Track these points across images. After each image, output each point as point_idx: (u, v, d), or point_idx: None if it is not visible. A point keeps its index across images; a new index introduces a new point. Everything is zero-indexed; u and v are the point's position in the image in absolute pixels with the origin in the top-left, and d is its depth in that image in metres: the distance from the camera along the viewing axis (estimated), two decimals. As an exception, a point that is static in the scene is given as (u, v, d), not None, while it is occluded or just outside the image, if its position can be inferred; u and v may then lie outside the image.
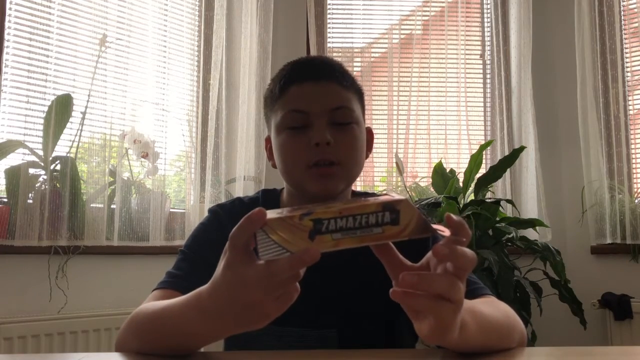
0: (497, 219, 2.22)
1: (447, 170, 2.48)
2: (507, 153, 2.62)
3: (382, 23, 2.93)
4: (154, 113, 2.42)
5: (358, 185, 2.79)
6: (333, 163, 0.93)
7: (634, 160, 2.70)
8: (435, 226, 0.60)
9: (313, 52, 2.76)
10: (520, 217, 2.56)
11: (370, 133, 1.04)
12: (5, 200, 1.98)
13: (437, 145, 2.83)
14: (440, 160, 2.52)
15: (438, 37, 2.89)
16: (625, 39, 2.75)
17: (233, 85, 2.59)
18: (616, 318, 2.47)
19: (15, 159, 2.04)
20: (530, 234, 2.49)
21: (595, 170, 2.63)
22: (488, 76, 2.92)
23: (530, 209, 2.68)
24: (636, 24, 2.75)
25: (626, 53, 2.74)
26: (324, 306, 0.93)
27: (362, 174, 2.76)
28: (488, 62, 2.92)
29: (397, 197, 0.58)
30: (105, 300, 2.13)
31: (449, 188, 2.29)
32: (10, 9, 2.08)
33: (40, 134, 2.09)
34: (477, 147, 2.39)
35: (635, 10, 2.75)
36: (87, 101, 2.18)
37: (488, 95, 2.91)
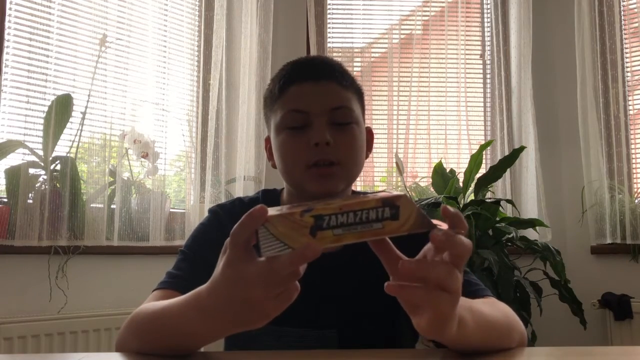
0: (497, 219, 2.22)
1: (447, 170, 2.48)
2: (507, 153, 2.62)
3: (382, 23, 2.93)
4: (154, 113, 2.42)
5: (358, 185, 2.79)
6: (332, 163, 0.93)
7: (634, 160, 2.70)
8: (434, 221, 0.61)
9: (313, 52, 2.75)
10: (520, 217, 2.56)
11: (370, 133, 1.04)
12: (5, 200, 1.98)
13: (437, 145, 2.83)
14: (440, 160, 2.52)
15: (438, 37, 2.89)
16: (625, 39, 2.75)
17: (233, 85, 2.59)
18: (616, 318, 2.47)
19: (15, 159, 2.04)
20: (530, 234, 2.49)
21: (595, 170, 2.63)
22: (488, 76, 2.92)
23: (530, 209, 2.68)
24: (636, 24, 2.75)
25: (626, 53, 2.74)
26: (323, 306, 0.93)
27: (362, 174, 2.76)
28: (488, 62, 2.92)
29: (396, 193, 0.59)
30: (105, 300, 2.13)
31: (449, 188, 2.29)
32: (10, 9, 2.08)
33: (40, 134, 2.09)
34: (477, 147, 2.39)
35: (635, 10, 2.75)
36: (87, 101, 2.18)
37: (488, 95, 2.91)
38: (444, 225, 0.61)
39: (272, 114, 0.99)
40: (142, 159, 2.30)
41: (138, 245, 2.24)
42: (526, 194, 2.73)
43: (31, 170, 2.04)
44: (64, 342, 1.97)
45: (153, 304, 0.80)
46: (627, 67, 2.74)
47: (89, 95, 2.19)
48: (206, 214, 1.04)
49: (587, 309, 2.28)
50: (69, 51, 2.20)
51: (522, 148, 2.27)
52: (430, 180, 2.51)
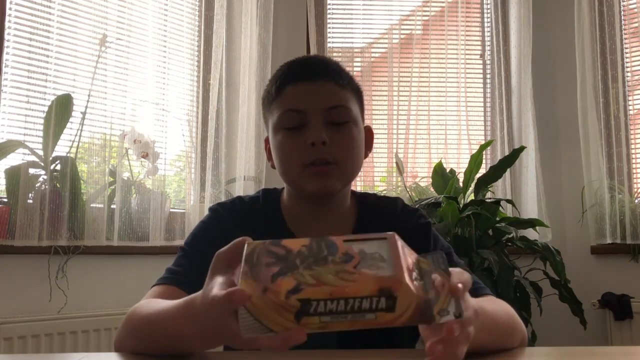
0: (497, 219, 2.22)
1: (447, 170, 2.48)
2: (507, 153, 2.62)
3: (382, 23, 2.93)
4: (154, 113, 2.42)
5: (358, 185, 2.79)
6: (329, 163, 0.93)
7: (634, 160, 2.70)
8: (436, 280, 0.55)
9: (313, 52, 2.75)
10: (520, 217, 2.56)
11: (369, 132, 1.03)
12: (5, 200, 1.98)
13: (437, 145, 2.83)
14: (440, 160, 2.52)
15: (438, 37, 2.89)
16: (625, 39, 2.75)
17: (233, 85, 2.59)
18: (616, 318, 2.47)
19: (15, 159, 2.04)
20: (530, 234, 2.49)
21: (595, 170, 2.63)
22: (488, 76, 2.92)
23: (530, 209, 2.68)
24: (636, 24, 2.75)
25: (626, 53, 2.74)
26: None
27: (362, 174, 2.77)
28: (488, 62, 2.92)
29: (396, 276, 0.51)
30: (105, 300, 2.13)
31: (449, 188, 2.29)
32: (10, 9, 2.08)
33: (40, 134, 2.09)
34: (477, 147, 2.39)
35: (635, 10, 2.75)
36: (87, 101, 2.18)
37: (488, 95, 2.91)
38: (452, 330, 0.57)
39: (269, 115, 0.99)
40: (142, 159, 2.30)
41: (138, 245, 2.24)
42: (526, 194, 2.73)
43: (31, 170, 2.03)
44: (64, 342, 1.97)
45: (149, 303, 0.80)
46: (627, 67, 2.74)
47: (89, 95, 2.19)
48: (206, 213, 1.04)
49: (587, 309, 2.28)
50: (69, 51, 2.20)
51: (522, 148, 2.27)
52: (430, 180, 2.51)
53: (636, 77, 2.77)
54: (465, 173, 2.33)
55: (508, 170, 2.37)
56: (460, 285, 0.55)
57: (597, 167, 2.63)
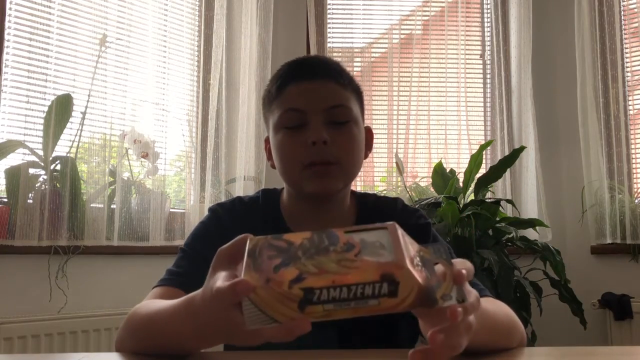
0: (497, 219, 2.22)
1: (447, 170, 2.48)
2: (507, 153, 2.62)
3: (382, 23, 2.93)
4: (154, 113, 2.42)
5: (358, 185, 2.79)
6: (330, 162, 0.93)
7: (634, 160, 2.70)
8: (438, 268, 0.55)
9: (313, 52, 2.75)
10: (520, 217, 2.56)
11: (369, 132, 1.03)
12: (5, 200, 1.98)
13: (437, 145, 2.83)
14: (440, 160, 2.52)
15: (438, 37, 2.89)
16: (625, 39, 2.75)
17: (233, 85, 2.59)
18: (616, 318, 2.47)
19: (15, 159, 2.04)
20: (530, 234, 2.49)
21: (595, 170, 2.63)
22: (488, 76, 2.92)
23: (530, 209, 2.68)
24: (636, 24, 2.75)
25: (626, 53, 2.74)
26: None
27: (362, 174, 2.78)
28: (488, 62, 2.92)
29: (398, 260, 0.51)
30: (105, 300, 2.13)
31: (449, 188, 2.29)
32: (10, 9, 2.08)
33: (40, 134, 2.09)
34: (477, 147, 2.39)
35: (635, 10, 2.75)
36: (87, 101, 2.18)
37: (488, 95, 2.91)
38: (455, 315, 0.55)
39: (270, 114, 0.99)
40: (142, 159, 2.30)
41: (138, 245, 2.24)
42: (526, 194, 2.73)
43: (31, 170, 2.04)
44: (64, 342, 1.97)
45: (148, 304, 0.80)
46: (627, 67, 2.74)
47: (89, 95, 2.19)
48: (206, 213, 1.04)
49: (587, 309, 2.28)
50: (69, 51, 2.20)
51: (522, 148, 2.27)
52: (430, 180, 2.51)
53: (636, 77, 2.77)
54: (465, 173, 2.33)
55: (508, 170, 2.37)
56: (463, 271, 0.55)
57: (597, 167, 2.63)
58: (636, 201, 2.63)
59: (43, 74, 2.12)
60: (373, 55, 2.96)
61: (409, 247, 0.55)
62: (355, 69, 2.90)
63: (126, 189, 2.26)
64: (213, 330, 0.62)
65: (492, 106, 2.88)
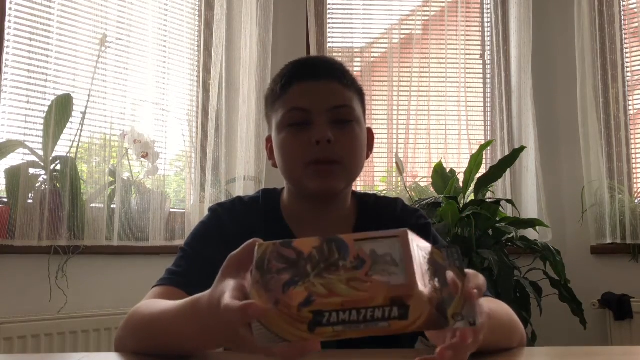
0: (497, 219, 2.22)
1: (447, 170, 2.48)
2: (507, 153, 2.62)
3: (382, 23, 2.93)
4: (154, 113, 2.42)
5: (358, 185, 2.79)
6: (333, 161, 0.93)
7: (634, 160, 2.70)
8: (449, 276, 0.55)
9: (313, 52, 2.75)
10: (520, 217, 2.56)
11: (371, 133, 1.04)
12: (5, 200, 1.98)
13: (437, 145, 2.83)
14: (440, 160, 2.52)
15: (438, 37, 2.89)
16: (625, 39, 2.75)
17: (233, 85, 2.59)
18: (616, 318, 2.47)
19: (15, 159, 2.04)
20: (530, 234, 2.49)
21: (595, 170, 2.63)
22: (488, 76, 2.92)
23: (530, 209, 2.68)
24: (636, 24, 2.75)
25: (626, 53, 2.74)
26: None
27: (362, 173, 2.77)
28: (488, 62, 2.92)
29: (408, 285, 0.50)
30: (105, 300, 2.13)
31: (449, 188, 2.29)
32: (10, 9, 2.08)
33: (40, 134, 2.09)
34: (477, 147, 2.39)
35: (635, 10, 2.75)
36: (87, 101, 2.18)
37: (488, 95, 2.91)
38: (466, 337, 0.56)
39: (273, 113, 0.99)
40: (142, 159, 2.30)
41: (138, 245, 2.24)
42: (526, 194, 2.73)
43: (31, 170, 2.04)
44: (64, 342, 1.97)
45: (150, 303, 0.80)
46: (627, 67, 2.74)
47: (89, 95, 2.19)
48: (206, 213, 1.04)
49: (587, 309, 2.28)
50: (69, 51, 2.20)
51: (522, 148, 2.27)
52: (430, 180, 2.51)
53: (636, 77, 2.77)
54: (465, 173, 2.33)
55: (508, 170, 2.37)
56: (475, 291, 0.55)
57: (597, 167, 2.63)
58: (636, 201, 2.63)
59: (43, 74, 2.12)
60: (373, 55, 2.96)
61: (421, 257, 0.54)
62: (355, 69, 2.90)
63: (126, 189, 2.26)
64: (218, 336, 0.62)
65: (492, 106, 2.88)
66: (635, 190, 2.68)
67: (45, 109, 2.09)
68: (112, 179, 2.23)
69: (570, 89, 2.76)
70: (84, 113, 2.17)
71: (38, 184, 2.05)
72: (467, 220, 2.11)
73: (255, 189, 2.48)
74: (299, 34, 2.84)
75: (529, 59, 2.77)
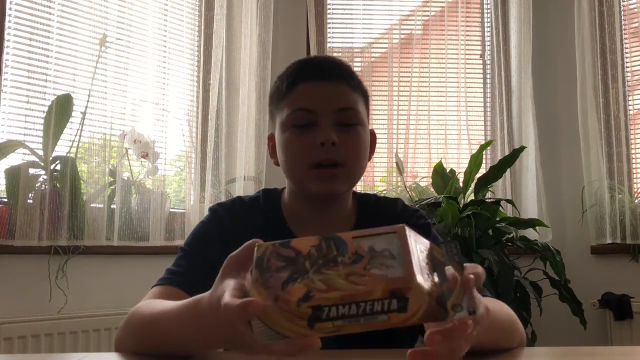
0: (497, 219, 2.22)
1: (447, 170, 2.48)
2: (507, 153, 2.62)
3: (382, 23, 2.93)
4: (154, 113, 2.42)
5: (358, 186, 2.78)
6: (337, 164, 0.93)
7: (634, 160, 2.70)
8: (449, 272, 0.55)
9: (313, 52, 2.75)
10: (520, 217, 2.56)
11: (373, 136, 1.04)
12: (5, 200, 1.98)
13: (437, 145, 2.83)
14: (440, 160, 2.52)
15: (438, 37, 2.89)
16: (625, 39, 2.75)
17: (233, 85, 2.58)
18: (616, 318, 2.46)
19: (15, 159, 2.04)
20: (530, 234, 2.49)
21: (595, 170, 2.63)
22: (488, 76, 2.92)
23: (530, 209, 2.68)
24: (636, 24, 2.75)
25: (626, 53, 2.74)
26: None
27: (362, 174, 2.77)
28: (488, 62, 2.92)
29: (406, 277, 0.50)
30: (105, 300, 2.13)
31: (449, 188, 2.29)
32: (10, 9, 2.08)
33: (40, 134, 2.09)
34: (477, 147, 2.39)
35: (635, 10, 2.75)
36: (87, 101, 2.18)
37: (488, 95, 2.91)
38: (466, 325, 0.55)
39: (278, 112, 0.99)
40: (142, 159, 2.30)
41: (138, 245, 2.24)
42: (526, 194, 2.73)
43: (31, 170, 2.03)
44: (64, 342, 1.97)
45: (151, 303, 0.80)
46: (627, 67, 2.74)
47: (89, 95, 2.19)
48: (206, 213, 1.04)
49: (587, 309, 2.28)
50: (69, 51, 2.20)
51: (522, 148, 2.27)
52: (430, 180, 2.51)
53: (636, 77, 2.77)
54: (465, 173, 2.33)
55: (508, 170, 2.37)
56: (472, 276, 0.55)
57: (597, 167, 2.63)
58: (636, 201, 2.63)
59: (43, 74, 2.12)
60: (373, 55, 2.96)
61: (419, 251, 0.54)
62: (355, 69, 2.89)
63: (126, 189, 2.26)
64: (218, 337, 0.62)
65: (492, 106, 2.88)
66: (635, 190, 2.68)
67: (45, 109, 2.09)
68: (112, 179, 2.23)
69: (570, 89, 2.76)
70: (84, 113, 2.17)
71: (38, 184, 2.05)
72: (467, 220, 2.11)
73: (255, 189, 2.48)
74: (299, 34, 2.84)
75: (529, 59, 2.77)
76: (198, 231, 1.00)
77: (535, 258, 2.27)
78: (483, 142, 2.76)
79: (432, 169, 2.50)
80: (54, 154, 2.08)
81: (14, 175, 1.97)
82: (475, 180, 2.28)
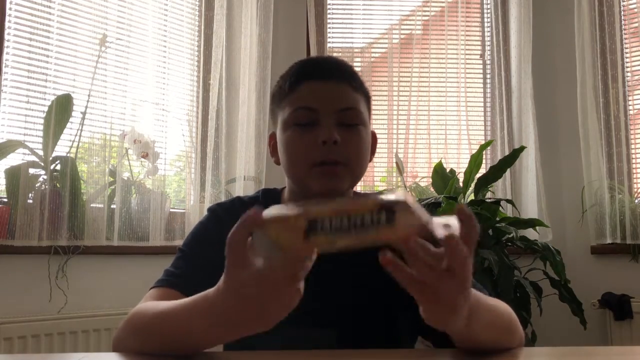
0: (497, 219, 2.22)
1: (447, 170, 2.48)
2: (507, 153, 2.62)
3: (382, 23, 2.93)
4: (154, 113, 2.42)
5: (358, 185, 2.78)
6: (338, 163, 0.93)
7: (634, 160, 2.70)
8: (439, 219, 0.59)
9: (313, 52, 2.76)
10: (520, 217, 2.56)
11: (374, 137, 1.04)
12: (5, 200, 1.98)
13: (437, 145, 2.83)
14: (440, 160, 2.52)
15: (438, 37, 2.89)
16: (625, 39, 2.75)
17: (233, 85, 2.59)
18: (616, 318, 2.47)
19: (15, 159, 2.04)
20: (530, 234, 2.49)
21: (595, 170, 2.63)
22: (488, 76, 2.92)
23: (530, 209, 2.68)
24: (636, 24, 2.75)
25: (626, 53, 2.74)
26: (323, 305, 0.93)
27: (362, 174, 2.77)
28: (488, 62, 2.92)
29: (398, 197, 0.55)
30: (105, 300, 2.13)
31: (449, 188, 2.29)
32: (10, 9, 2.08)
33: (40, 134, 2.09)
34: (477, 147, 2.39)
35: (635, 10, 2.75)
36: (87, 101, 2.18)
37: (488, 95, 2.91)
38: (451, 223, 0.59)
39: (279, 110, 0.99)
40: (142, 159, 2.30)
41: (138, 245, 2.24)
42: (526, 194, 2.73)
43: (31, 170, 2.04)
44: (64, 342, 1.97)
45: (156, 303, 0.80)
46: (627, 67, 2.74)
47: (89, 95, 2.19)
48: (206, 214, 1.04)
49: (587, 309, 2.28)
50: (69, 51, 2.20)
51: (522, 148, 2.27)
52: (430, 180, 2.51)
53: (636, 77, 2.77)
54: (465, 173, 2.33)
55: (508, 170, 2.37)
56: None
57: (597, 167, 2.63)
58: (636, 201, 2.63)
59: (43, 74, 2.12)
60: (373, 55, 2.96)
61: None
62: (356, 69, 2.90)
63: (126, 189, 2.26)
64: (225, 320, 0.63)
65: (492, 106, 2.88)
66: (635, 190, 2.68)
67: (45, 109, 2.09)
68: (112, 179, 2.23)
69: (570, 89, 2.76)
70: (84, 113, 2.17)
71: (38, 184, 2.05)
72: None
73: (255, 189, 2.48)
74: (299, 34, 2.84)
75: (529, 59, 2.77)
76: (197, 232, 1.00)
77: (535, 258, 2.27)
78: (483, 142, 2.76)
79: (432, 169, 2.50)
80: (54, 154, 2.08)
81: (14, 175, 1.98)
82: (475, 180, 2.28)
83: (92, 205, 2.14)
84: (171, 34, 2.51)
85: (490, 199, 2.27)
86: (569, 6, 2.75)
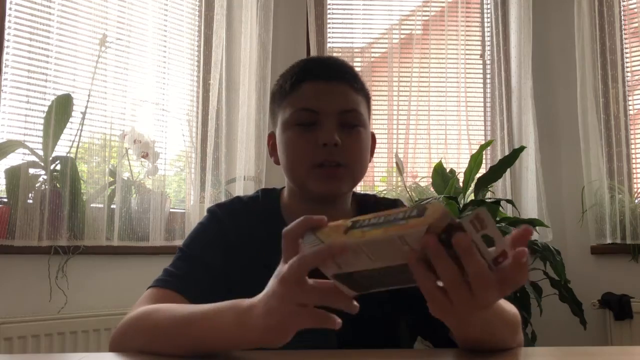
0: (497, 219, 2.22)
1: (447, 170, 2.48)
2: (507, 153, 2.62)
3: (382, 23, 2.93)
4: (154, 113, 2.42)
5: (358, 186, 2.78)
6: (339, 164, 0.93)
7: (634, 160, 2.70)
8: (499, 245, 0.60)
9: (313, 52, 2.76)
10: (520, 217, 2.56)
11: (373, 138, 1.04)
12: (5, 200, 1.98)
13: (437, 145, 2.83)
14: (440, 160, 2.52)
15: (438, 37, 2.89)
16: (625, 39, 2.75)
17: (233, 85, 2.59)
18: (616, 318, 2.46)
19: (15, 159, 2.04)
20: (530, 234, 2.48)
21: (595, 170, 2.63)
22: (488, 76, 2.92)
23: (530, 209, 2.68)
24: (636, 24, 2.75)
25: (626, 53, 2.74)
26: (323, 309, 0.93)
27: (362, 174, 2.77)
28: (488, 62, 2.92)
29: (432, 201, 0.58)
30: (105, 300, 2.13)
31: (449, 188, 2.29)
32: (10, 9, 2.08)
33: (40, 134, 2.09)
34: (477, 147, 2.39)
35: (635, 10, 2.75)
36: (87, 101, 2.18)
37: (488, 95, 2.91)
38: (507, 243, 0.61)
39: (280, 110, 0.99)
40: (142, 159, 2.30)
41: (138, 245, 2.24)
42: (526, 194, 2.73)
43: (31, 170, 2.03)
44: (64, 342, 1.97)
45: (165, 307, 0.79)
46: (627, 67, 2.74)
47: (89, 95, 2.19)
48: (206, 214, 1.04)
49: (587, 309, 2.28)
50: (69, 51, 2.20)
51: (522, 148, 2.27)
52: (430, 180, 2.51)
53: (636, 77, 2.77)
54: (465, 173, 2.33)
55: (508, 170, 2.37)
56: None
57: (597, 167, 2.63)
58: (636, 201, 2.63)
59: (43, 74, 2.12)
60: (373, 55, 2.96)
61: None
62: (355, 69, 2.90)
63: (126, 189, 2.26)
64: (255, 327, 0.65)
65: (492, 106, 2.88)
66: (635, 190, 2.68)
67: (45, 109, 2.09)
68: (112, 179, 2.23)
69: (570, 88, 2.76)
70: (84, 113, 2.17)
71: (38, 184, 2.05)
72: (467, 220, 2.10)
73: (255, 189, 2.45)
74: (299, 34, 2.84)
75: (529, 59, 2.77)
76: (197, 233, 1.00)
77: (535, 258, 2.27)
78: (483, 142, 2.76)
79: (432, 169, 2.50)
80: (54, 154, 2.08)
81: (14, 175, 1.97)
82: (475, 180, 2.28)
83: (92, 205, 2.14)
84: (171, 34, 2.51)
85: (490, 199, 2.27)
86: (569, 6, 2.75)
